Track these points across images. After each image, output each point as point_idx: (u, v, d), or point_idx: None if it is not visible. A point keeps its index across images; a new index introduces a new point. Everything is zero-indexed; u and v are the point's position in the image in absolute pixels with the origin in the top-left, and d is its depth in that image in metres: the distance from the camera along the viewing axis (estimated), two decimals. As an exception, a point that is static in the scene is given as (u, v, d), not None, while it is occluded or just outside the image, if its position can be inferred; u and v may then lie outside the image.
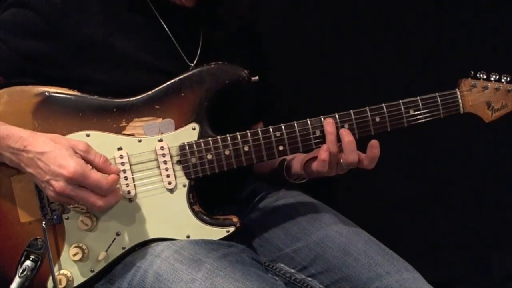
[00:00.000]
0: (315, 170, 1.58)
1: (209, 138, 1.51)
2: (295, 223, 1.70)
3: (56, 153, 1.34)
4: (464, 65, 1.64)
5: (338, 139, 1.53)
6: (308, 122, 1.54)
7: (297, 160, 1.72)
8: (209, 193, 1.55)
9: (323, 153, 1.53)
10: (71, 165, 1.32)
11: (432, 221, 2.50)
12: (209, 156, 1.51)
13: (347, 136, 1.53)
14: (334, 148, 1.53)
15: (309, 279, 1.64)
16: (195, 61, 1.63)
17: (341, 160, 1.55)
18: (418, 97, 1.57)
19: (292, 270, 1.66)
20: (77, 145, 1.37)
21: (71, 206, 1.43)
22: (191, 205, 1.51)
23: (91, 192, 1.36)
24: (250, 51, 1.79)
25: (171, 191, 1.51)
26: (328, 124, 1.53)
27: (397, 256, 1.61)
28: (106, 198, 1.38)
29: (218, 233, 1.52)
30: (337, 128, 1.54)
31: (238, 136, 1.51)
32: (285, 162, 1.75)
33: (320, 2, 2.30)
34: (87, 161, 1.38)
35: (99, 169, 1.39)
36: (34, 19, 1.47)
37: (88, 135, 1.47)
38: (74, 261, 1.47)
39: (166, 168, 1.50)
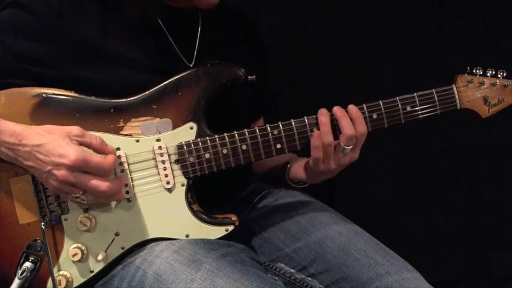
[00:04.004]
0: (312, 165, 1.58)
1: (207, 137, 1.51)
2: (295, 223, 1.69)
3: (54, 144, 1.33)
4: (461, 63, 1.65)
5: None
6: (306, 119, 1.54)
7: (299, 165, 1.72)
8: (208, 192, 1.55)
9: (315, 140, 1.54)
10: (71, 153, 1.32)
11: (432, 221, 2.51)
12: (207, 155, 1.51)
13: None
14: (329, 139, 1.53)
15: (309, 279, 1.64)
16: (193, 61, 1.63)
17: (341, 142, 1.54)
18: (415, 93, 1.57)
19: (292, 270, 1.66)
20: (71, 131, 1.37)
21: (73, 196, 1.40)
22: (189, 204, 1.51)
23: (93, 176, 1.36)
24: (250, 50, 1.79)
25: (170, 190, 1.50)
26: (323, 114, 1.53)
27: (397, 256, 1.60)
28: (109, 183, 1.38)
29: (217, 231, 1.52)
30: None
31: (236, 135, 1.52)
32: (288, 166, 1.76)
33: (320, 2, 2.31)
34: (84, 144, 1.38)
35: (96, 151, 1.40)
36: (30, 20, 1.48)
37: (86, 136, 1.47)
38: (73, 261, 1.46)
39: (164, 167, 1.50)
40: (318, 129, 1.54)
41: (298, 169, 1.72)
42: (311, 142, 1.54)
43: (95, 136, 1.40)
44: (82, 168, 1.34)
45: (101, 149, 1.40)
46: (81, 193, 1.37)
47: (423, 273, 1.58)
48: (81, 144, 1.37)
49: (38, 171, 1.36)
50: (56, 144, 1.33)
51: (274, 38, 2.10)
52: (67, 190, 1.37)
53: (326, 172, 1.60)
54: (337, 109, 1.55)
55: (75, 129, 1.38)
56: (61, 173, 1.32)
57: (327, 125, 1.53)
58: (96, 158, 1.36)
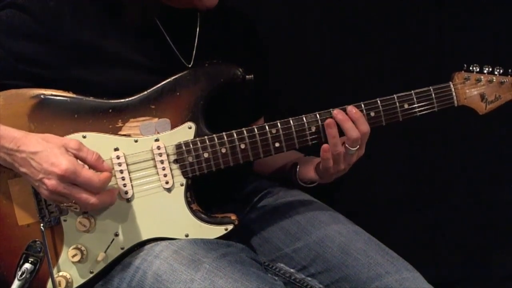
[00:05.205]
0: (322, 170, 1.60)
1: (205, 137, 1.51)
2: (295, 223, 1.69)
3: (48, 152, 1.34)
4: (460, 62, 1.65)
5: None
6: (304, 118, 1.54)
7: (309, 166, 1.71)
8: (208, 192, 1.55)
9: (324, 154, 1.55)
10: (63, 163, 1.32)
11: (432, 221, 2.50)
12: (206, 155, 1.51)
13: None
14: (339, 149, 1.54)
15: (309, 278, 1.63)
16: (191, 62, 1.63)
17: (346, 145, 1.55)
18: (412, 91, 1.58)
19: (291, 270, 1.66)
20: (68, 144, 1.37)
21: (65, 205, 1.42)
22: (189, 203, 1.51)
23: (84, 190, 1.36)
24: (249, 50, 1.79)
25: (169, 190, 1.51)
26: (331, 126, 1.54)
27: (397, 256, 1.60)
28: (100, 196, 1.38)
29: (216, 231, 1.52)
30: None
31: (234, 134, 1.52)
32: (297, 167, 1.74)
33: (320, 2, 2.32)
34: (80, 158, 1.38)
35: (91, 167, 1.39)
36: (28, 21, 1.48)
37: (84, 137, 1.47)
38: (73, 262, 1.47)
39: (163, 167, 1.50)
40: (319, 131, 1.55)
41: (308, 170, 1.71)
42: (321, 155, 1.56)
43: (92, 151, 1.40)
44: (71, 180, 1.34)
45: (96, 166, 1.39)
46: (73, 201, 1.38)
47: (423, 273, 1.58)
48: (76, 157, 1.37)
49: (31, 178, 1.36)
50: (51, 152, 1.34)
51: (274, 38, 2.10)
52: (58, 199, 1.39)
53: (337, 173, 1.61)
54: (337, 113, 1.55)
55: (72, 142, 1.38)
56: (51, 182, 1.33)
57: (336, 137, 1.54)
58: (87, 172, 1.35)
